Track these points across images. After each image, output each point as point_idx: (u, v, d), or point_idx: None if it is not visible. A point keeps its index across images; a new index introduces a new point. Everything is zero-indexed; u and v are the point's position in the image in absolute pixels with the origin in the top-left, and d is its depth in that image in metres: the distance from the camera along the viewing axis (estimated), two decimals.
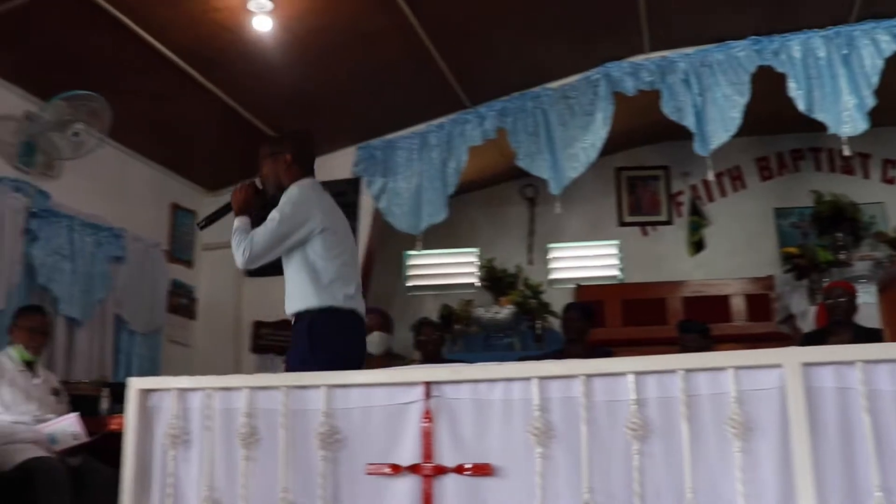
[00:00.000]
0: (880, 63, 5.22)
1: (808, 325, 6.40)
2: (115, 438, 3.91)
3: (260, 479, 2.61)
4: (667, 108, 5.50)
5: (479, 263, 7.67)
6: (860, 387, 2.03)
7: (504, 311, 6.96)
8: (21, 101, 5.13)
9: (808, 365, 2.08)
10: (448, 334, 6.68)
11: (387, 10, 4.83)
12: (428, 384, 2.35)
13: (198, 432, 2.74)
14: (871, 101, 5.16)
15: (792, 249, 6.97)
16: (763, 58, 5.43)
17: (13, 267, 4.95)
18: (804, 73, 5.33)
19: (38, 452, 4.13)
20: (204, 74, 5.26)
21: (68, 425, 4.27)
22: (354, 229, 6.36)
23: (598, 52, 5.71)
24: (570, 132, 5.64)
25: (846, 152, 5.22)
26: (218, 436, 2.69)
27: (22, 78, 5.05)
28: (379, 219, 6.34)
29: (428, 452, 2.33)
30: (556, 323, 6.60)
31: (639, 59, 5.73)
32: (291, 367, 3.30)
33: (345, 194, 6.50)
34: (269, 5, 4.61)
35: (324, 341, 3.51)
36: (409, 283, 7.91)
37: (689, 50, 5.60)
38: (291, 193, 3.63)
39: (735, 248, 7.36)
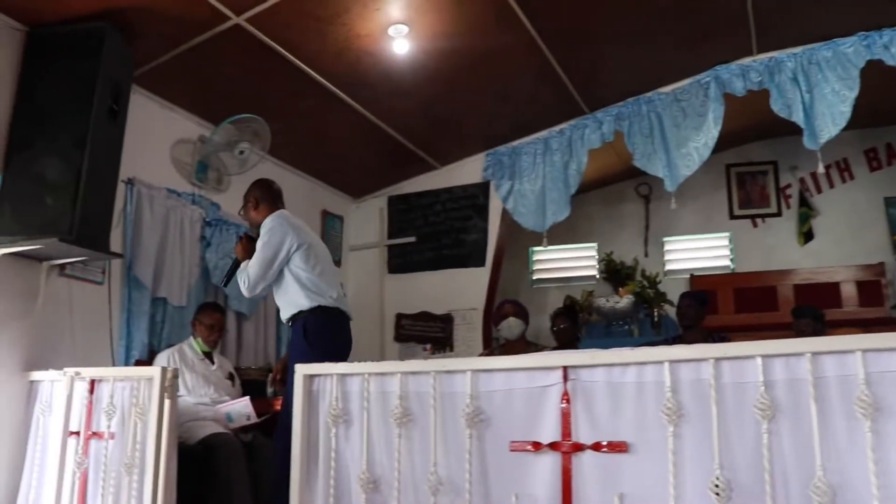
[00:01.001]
0: None
1: None
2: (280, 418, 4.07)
3: (412, 456, 2.65)
4: (776, 106, 5.28)
5: (598, 257, 7.58)
6: None
7: (623, 301, 6.85)
8: (196, 126, 5.37)
9: None
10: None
11: (511, 28, 4.82)
12: (566, 368, 2.34)
13: (356, 413, 2.80)
14: None
15: None
16: (873, 52, 5.12)
17: (192, 269, 5.17)
18: None
19: (218, 429, 4.31)
20: (349, 95, 5.37)
21: (242, 406, 4.44)
22: (485, 229, 6.45)
23: (708, 57, 5.53)
24: (683, 133, 5.49)
25: None
26: (374, 416, 2.75)
27: (196, 106, 5.29)
28: (507, 218, 6.33)
29: (567, 431, 2.32)
30: (671, 311, 6.44)
31: (747, 60, 5.52)
32: (293, 363, 3.31)
33: (475, 197, 6.55)
34: (406, 30, 4.67)
35: (318, 335, 3.86)
36: (535, 277, 7.88)
37: (797, 49, 5.35)
38: (266, 224, 4.06)
39: (844, 237, 7.00)
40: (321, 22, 4.52)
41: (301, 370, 2.94)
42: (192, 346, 4.69)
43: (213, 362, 4.74)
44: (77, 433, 3.61)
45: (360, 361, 2.97)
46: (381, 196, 7.13)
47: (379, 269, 6.94)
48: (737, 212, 7.42)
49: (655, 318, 6.75)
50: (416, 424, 2.66)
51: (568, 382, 2.33)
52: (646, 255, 7.43)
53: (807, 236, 7.06)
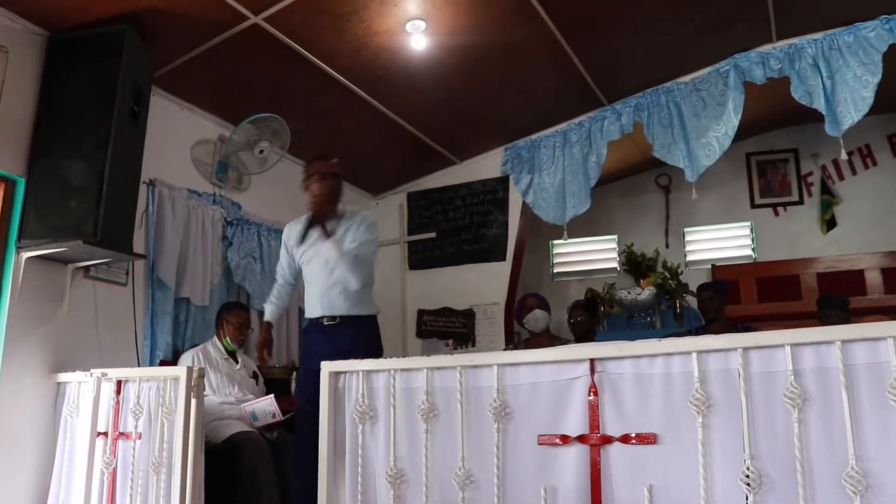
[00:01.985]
0: None
1: None
2: None
3: (440, 451, 2.65)
4: (797, 94, 5.22)
5: (619, 249, 7.54)
6: None
7: (645, 293, 6.81)
8: (215, 126, 5.39)
9: None
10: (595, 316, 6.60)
11: (528, 21, 4.80)
12: (593, 361, 2.32)
13: (383, 409, 2.80)
14: None
15: None
16: (895, 36, 5.07)
17: (214, 269, 5.20)
18: None
19: (243, 427, 4.33)
20: (368, 92, 5.37)
21: (267, 405, 4.45)
22: (505, 223, 6.43)
23: (727, 45, 5.48)
24: (703, 122, 5.44)
25: None
26: (400, 412, 2.75)
27: (216, 106, 5.31)
28: (527, 212, 6.31)
29: (595, 423, 2.31)
30: (693, 302, 6.40)
31: (766, 48, 5.46)
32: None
33: (495, 191, 6.53)
34: (423, 25, 4.66)
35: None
36: (556, 270, 7.85)
37: (817, 35, 5.29)
38: (370, 218, 4.34)
39: (868, 224, 6.93)
40: (338, 19, 4.52)
41: (327, 367, 2.95)
42: (217, 346, 4.72)
43: (236, 361, 4.77)
44: (105, 433, 3.65)
45: (397, 358, 2.96)
46: (400, 192, 7.13)
47: (400, 266, 6.94)
48: (758, 201, 7.36)
49: (678, 310, 6.71)
50: (442, 419, 2.65)
51: (595, 374, 2.32)
52: (667, 246, 7.39)
53: (829, 224, 7.00)
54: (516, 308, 5.53)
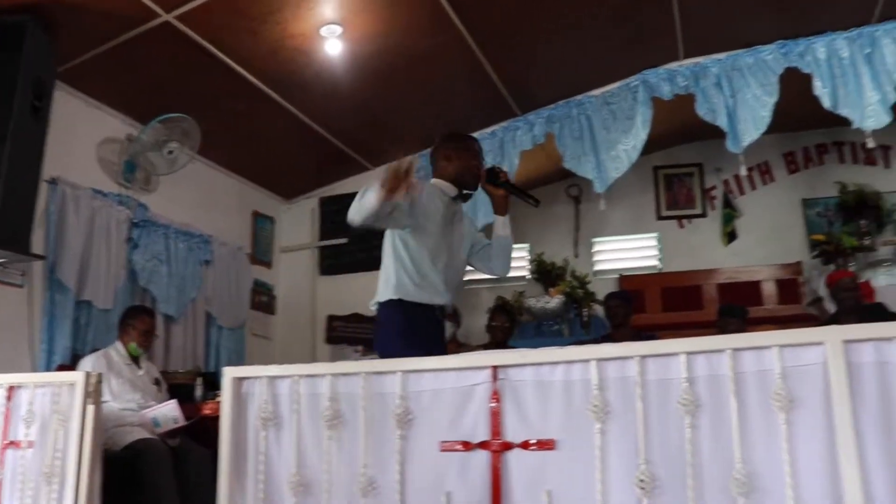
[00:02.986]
0: None
1: (833, 306, 6.26)
2: (208, 422, 4.01)
3: (343, 458, 2.63)
4: (701, 111, 5.42)
5: (529, 257, 7.64)
6: None
7: (553, 301, 6.92)
8: (123, 125, 5.25)
9: (848, 342, 2.03)
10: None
11: (444, 29, 4.84)
12: (495, 367, 2.35)
13: (286, 415, 2.76)
14: (893, 96, 5.03)
15: (819, 237, 6.81)
16: (790, 60, 5.31)
17: (119, 271, 5.06)
18: (829, 72, 5.20)
19: (144, 434, 4.22)
20: (282, 95, 5.32)
21: (169, 410, 4.35)
22: None
23: (637, 61, 5.65)
24: (612, 135, 5.59)
25: (870, 144, 5.09)
26: (304, 418, 2.72)
27: (124, 105, 5.18)
28: None
29: (496, 430, 2.33)
30: (601, 310, 6.55)
31: (674, 65, 5.65)
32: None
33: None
34: (339, 30, 4.65)
35: None
36: (468, 277, 7.87)
37: (721, 55, 5.51)
38: None
39: (765, 237, 7.22)
40: (253, 21, 4.46)
41: (230, 373, 2.89)
42: (119, 351, 4.58)
43: (139, 367, 4.63)
44: None
45: (290, 364, 2.93)
46: (313, 197, 7.08)
47: (311, 271, 6.89)
48: (664, 213, 7.59)
49: (585, 318, 6.85)
50: (347, 426, 2.63)
51: (497, 381, 2.34)
52: (576, 255, 7.53)
53: (730, 236, 7.26)
54: None
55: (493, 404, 2.34)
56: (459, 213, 3.70)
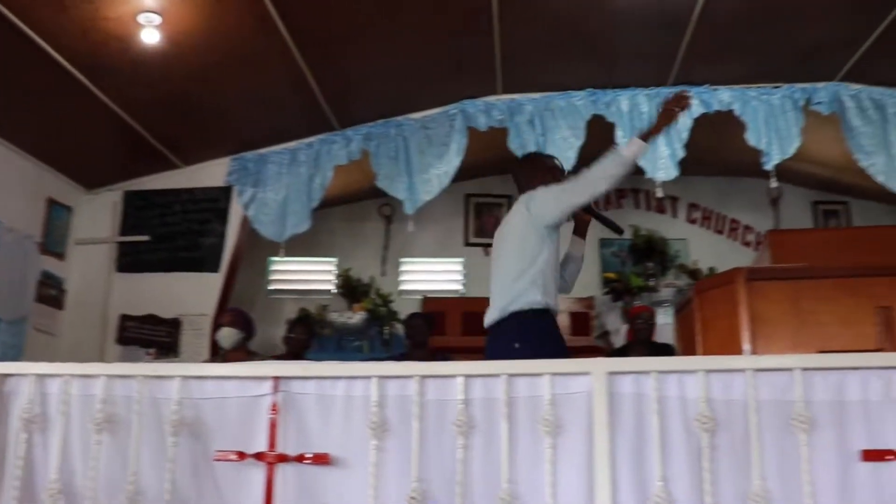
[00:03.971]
0: (690, 122, 5.57)
1: (619, 340, 6.71)
2: None
3: (112, 465, 2.50)
4: (512, 145, 5.66)
5: (336, 272, 7.62)
6: (652, 392, 2.15)
7: (356, 317, 6.94)
8: None
9: (612, 374, 2.18)
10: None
11: (268, 34, 4.77)
12: (277, 379, 2.32)
13: (54, 417, 2.59)
14: (681, 153, 5.50)
15: (611, 275, 7.29)
16: (597, 108, 5.68)
17: None
18: (630, 124, 5.61)
19: None
20: (90, 78, 5.02)
21: None
22: (223, 234, 6.27)
23: (457, 90, 5.82)
24: (426, 159, 5.72)
25: (659, 194, 5.53)
26: (74, 422, 2.56)
27: None
28: (247, 225, 6.22)
29: (272, 442, 2.30)
30: (402, 329, 6.64)
31: (492, 99, 5.88)
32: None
33: (217, 200, 6.36)
34: (158, 20, 4.48)
35: None
36: (272, 287, 7.77)
37: (536, 95, 5.80)
38: None
39: None
40: None
41: None
42: None
43: None
44: None
45: (76, 363, 2.75)
46: (116, 190, 6.71)
47: (107, 267, 6.52)
48: (471, 239, 7.84)
49: (386, 336, 6.92)
50: (119, 431, 2.50)
51: (279, 393, 2.32)
52: (383, 273, 7.60)
53: None
54: (215, 322, 5.40)
55: (272, 416, 2.32)
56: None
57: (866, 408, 2.19)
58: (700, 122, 5.62)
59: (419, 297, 7.46)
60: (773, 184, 5.48)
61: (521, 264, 3.40)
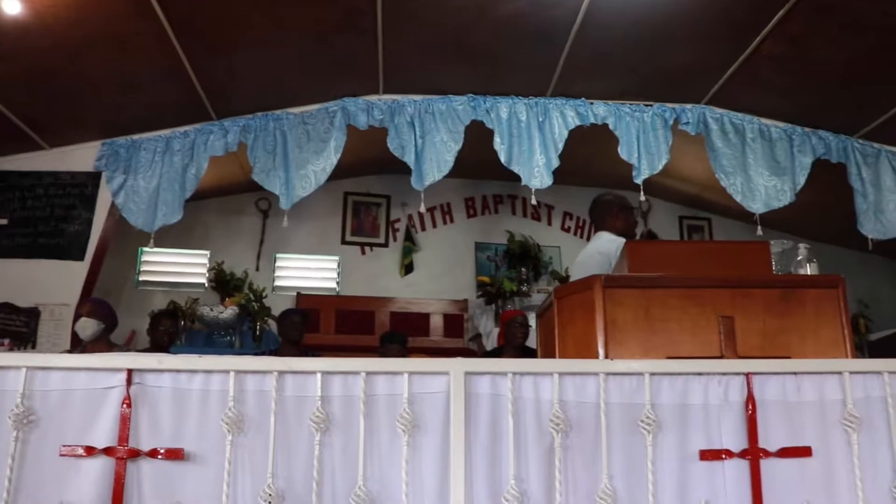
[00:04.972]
0: (566, 133, 5.76)
1: (491, 343, 6.84)
2: None
3: None
4: (392, 145, 5.68)
5: (209, 265, 7.45)
6: (508, 394, 2.21)
7: (228, 312, 6.80)
8: None
9: (469, 374, 2.23)
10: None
11: (144, 17, 4.60)
12: (130, 371, 2.25)
13: None
14: (556, 162, 5.66)
15: (485, 278, 7.43)
16: (477, 113, 5.78)
17: None
18: (508, 131, 5.74)
19: None
20: None
21: None
22: (89, 221, 5.99)
23: (339, 87, 5.79)
24: (304, 155, 5.66)
25: (533, 201, 5.67)
26: None
27: None
28: (115, 213, 5.97)
29: (124, 436, 2.23)
30: (274, 325, 6.55)
31: (373, 98, 5.88)
32: None
33: (84, 186, 6.08)
34: None
35: None
36: (142, 278, 7.50)
37: (417, 97, 5.84)
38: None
39: (439, 273, 7.71)
40: None
41: None
42: None
43: None
44: None
45: None
46: None
47: None
48: (348, 238, 7.83)
49: (258, 332, 6.81)
50: None
51: (132, 386, 2.25)
52: (257, 268, 7.49)
53: (408, 268, 7.67)
54: (75, 313, 5.17)
55: (124, 409, 2.25)
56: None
57: (706, 411, 2.34)
58: (576, 134, 5.81)
59: (293, 293, 7.39)
60: (642, 197, 5.71)
61: None
